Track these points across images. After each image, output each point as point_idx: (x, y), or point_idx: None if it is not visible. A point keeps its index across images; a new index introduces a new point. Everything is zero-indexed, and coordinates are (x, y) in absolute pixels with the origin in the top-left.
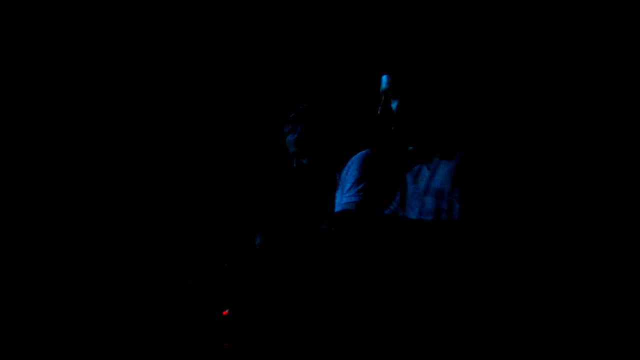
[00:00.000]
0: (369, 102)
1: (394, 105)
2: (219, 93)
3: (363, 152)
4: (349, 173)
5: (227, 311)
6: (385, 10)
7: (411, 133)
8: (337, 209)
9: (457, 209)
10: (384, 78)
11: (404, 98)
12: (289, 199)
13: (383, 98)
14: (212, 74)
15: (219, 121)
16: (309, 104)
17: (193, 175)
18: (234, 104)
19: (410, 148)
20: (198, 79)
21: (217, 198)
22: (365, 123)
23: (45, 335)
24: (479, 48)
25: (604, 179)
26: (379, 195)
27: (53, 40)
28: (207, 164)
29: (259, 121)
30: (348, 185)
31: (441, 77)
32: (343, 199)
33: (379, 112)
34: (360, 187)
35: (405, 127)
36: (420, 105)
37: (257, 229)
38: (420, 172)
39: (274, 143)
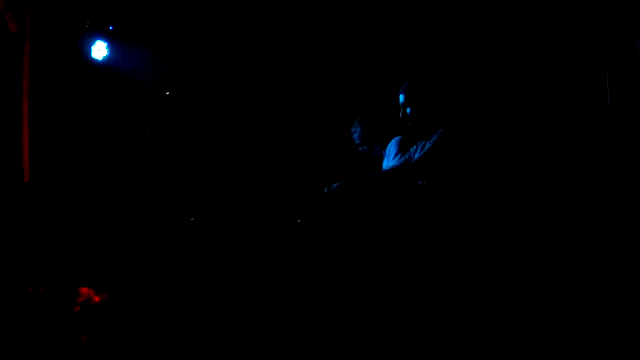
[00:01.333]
0: (392, 111)
1: (408, 111)
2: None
3: (397, 137)
4: (391, 150)
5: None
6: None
7: (420, 127)
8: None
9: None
10: (401, 97)
11: (414, 108)
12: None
13: (402, 109)
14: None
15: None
16: (364, 115)
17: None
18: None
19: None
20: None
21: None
22: (393, 122)
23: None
24: (463, 75)
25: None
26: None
27: None
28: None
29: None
30: (392, 156)
31: (436, 95)
32: (390, 164)
33: (400, 116)
34: (399, 156)
35: (416, 124)
36: (423, 112)
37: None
38: (422, 144)
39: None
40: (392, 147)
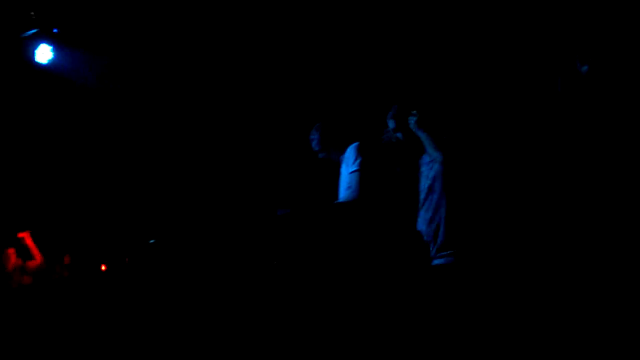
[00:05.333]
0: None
1: (399, 136)
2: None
3: (354, 143)
4: (349, 156)
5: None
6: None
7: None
8: (343, 178)
9: None
10: (390, 123)
11: (405, 133)
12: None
13: (392, 132)
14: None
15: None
16: (322, 122)
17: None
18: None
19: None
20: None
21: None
22: (351, 128)
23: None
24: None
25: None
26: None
27: None
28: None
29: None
30: (351, 162)
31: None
32: (349, 169)
33: (393, 141)
34: (358, 161)
35: (405, 144)
36: (409, 134)
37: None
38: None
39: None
40: (350, 153)
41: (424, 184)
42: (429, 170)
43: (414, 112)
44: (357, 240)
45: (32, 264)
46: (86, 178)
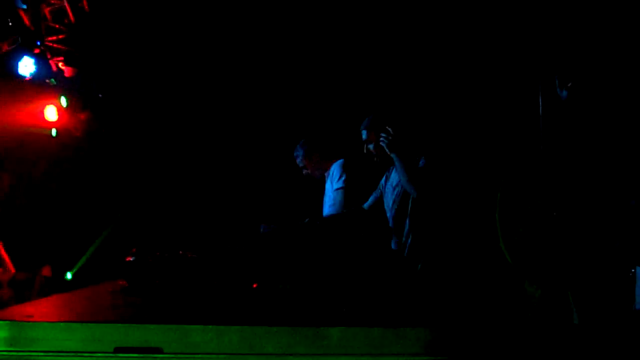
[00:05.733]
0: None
1: (371, 147)
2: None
3: (339, 160)
4: (334, 173)
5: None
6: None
7: (384, 159)
8: (327, 194)
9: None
10: (363, 133)
11: (375, 144)
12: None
13: (365, 145)
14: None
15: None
16: (305, 138)
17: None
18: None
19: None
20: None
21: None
22: (335, 145)
23: None
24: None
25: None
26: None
27: None
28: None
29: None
30: (336, 179)
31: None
32: (334, 186)
33: (364, 152)
34: (343, 178)
35: (380, 157)
36: (380, 146)
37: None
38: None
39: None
40: (335, 170)
41: (389, 201)
42: (392, 193)
43: (388, 129)
44: (341, 255)
45: (4, 276)
46: (68, 187)
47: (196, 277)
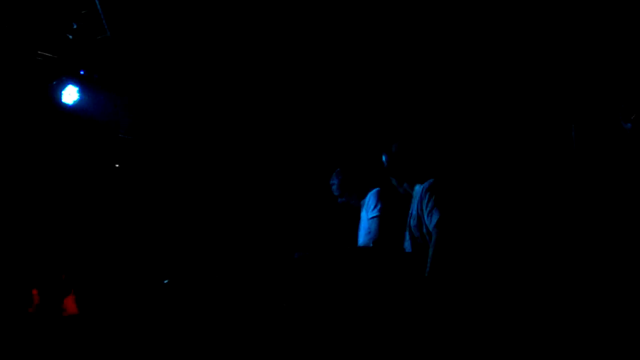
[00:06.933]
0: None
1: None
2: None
3: (375, 189)
4: (370, 202)
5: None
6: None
7: (401, 182)
8: (363, 223)
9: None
10: (383, 158)
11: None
12: (326, 221)
13: (387, 169)
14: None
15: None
16: (342, 167)
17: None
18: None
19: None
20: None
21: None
22: (371, 174)
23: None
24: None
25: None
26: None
27: None
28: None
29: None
30: (371, 208)
31: (414, 156)
32: (369, 215)
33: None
34: (378, 207)
35: (399, 179)
36: (404, 169)
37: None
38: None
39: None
40: (370, 199)
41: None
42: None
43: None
44: (374, 284)
45: None
46: (59, 212)
47: None
